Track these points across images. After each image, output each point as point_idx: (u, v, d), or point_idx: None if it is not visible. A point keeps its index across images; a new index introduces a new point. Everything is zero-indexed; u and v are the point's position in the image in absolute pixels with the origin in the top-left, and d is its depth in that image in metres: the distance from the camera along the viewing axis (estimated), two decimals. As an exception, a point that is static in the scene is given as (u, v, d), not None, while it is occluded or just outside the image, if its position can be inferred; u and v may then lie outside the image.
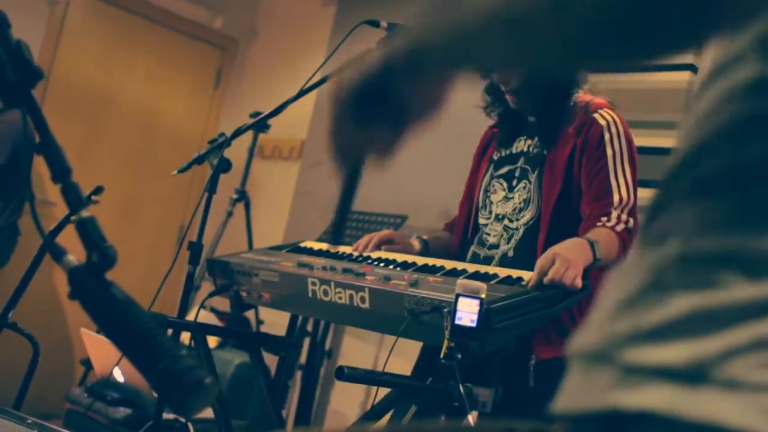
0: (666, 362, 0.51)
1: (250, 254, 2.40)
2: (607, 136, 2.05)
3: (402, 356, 2.12)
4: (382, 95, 0.77)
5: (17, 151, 3.28)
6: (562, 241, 1.96)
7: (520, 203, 2.15)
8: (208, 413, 2.52)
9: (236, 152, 2.76)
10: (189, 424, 2.65)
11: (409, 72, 0.72)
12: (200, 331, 2.32)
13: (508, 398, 1.82)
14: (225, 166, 2.30)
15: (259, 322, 3.98)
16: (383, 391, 1.94)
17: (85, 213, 0.79)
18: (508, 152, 2.24)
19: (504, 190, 2.20)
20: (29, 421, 1.68)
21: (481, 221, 2.24)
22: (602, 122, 2.06)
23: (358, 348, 3.97)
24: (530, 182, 2.14)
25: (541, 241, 2.06)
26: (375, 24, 2.33)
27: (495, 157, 2.28)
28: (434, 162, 3.88)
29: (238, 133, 2.36)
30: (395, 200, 3.82)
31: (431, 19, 0.67)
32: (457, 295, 1.63)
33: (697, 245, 0.53)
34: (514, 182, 2.18)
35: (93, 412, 2.80)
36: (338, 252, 2.31)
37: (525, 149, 2.19)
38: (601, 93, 2.20)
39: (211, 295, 2.35)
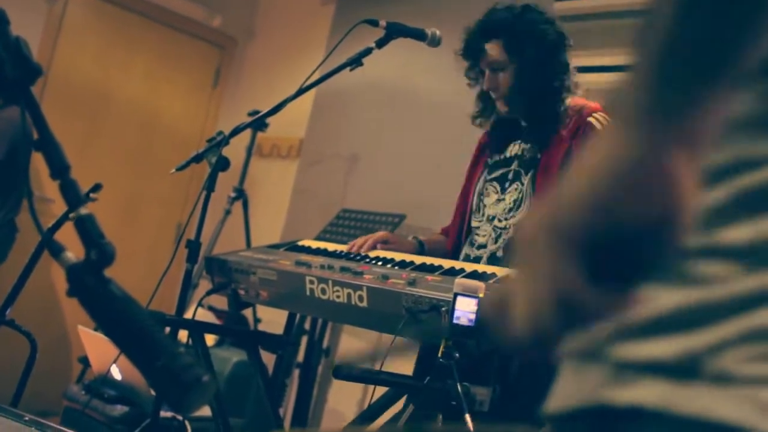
0: (656, 357, 0.51)
1: (248, 252, 2.40)
2: None
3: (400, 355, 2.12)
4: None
5: (15, 147, 3.28)
6: None
7: (510, 203, 2.15)
8: (205, 411, 2.52)
9: (234, 151, 2.76)
10: (186, 422, 2.65)
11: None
12: (198, 329, 2.33)
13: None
14: (223, 164, 2.30)
15: (257, 321, 3.98)
16: (381, 390, 1.94)
17: (83, 210, 0.79)
18: (502, 157, 2.25)
19: (497, 192, 2.21)
20: (27, 419, 1.67)
21: (474, 224, 2.25)
22: (598, 126, 2.07)
23: (355, 346, 3.98)
24: (522, 184, 2.14)
25: None
26: (374, 23, 2.33)
27: (489, 162, 2.29)
28: (433, 161, 3.88)
29: (236, 131, 2.36)
30: (393, 199, 3.82)
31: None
32: (456, 294, 1.63)
33: (683, 242, 0.53)
34: (507, 184, 2.19)
35: (90, 410, 2.80)
36: (336, 250, 2.31)
37: (519, 152, 2.20)
38: (595, 96, 2.20)
39: (209, 293, 2.35)
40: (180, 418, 2.66)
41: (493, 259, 2.14)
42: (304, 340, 3.76)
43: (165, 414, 2.57)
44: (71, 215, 0.79)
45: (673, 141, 0.48)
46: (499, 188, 2.21)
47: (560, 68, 2.12)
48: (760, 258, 0.50)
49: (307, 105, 4.62)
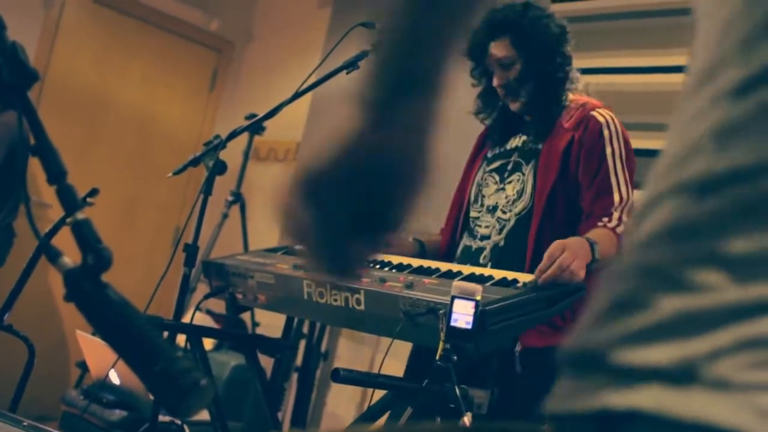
0: (654, 363, 0.51)
1: (246, 256, 2.40)
2: (606, 133, 2.09)
3: (397, 358, 2.13)
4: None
5: (13, 152, 3.28)
6: (554, 231, 2.00)
7: (513, 194, 2.17)
8: (204, 415, 2.52)
9: (231, 154, 2.77)
10: (185, 427, 2.65)
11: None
12: (196, 333, 2.32)
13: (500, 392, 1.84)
14: (220, 168, 2.30)
15: (255, 324, 3.98)
16: (379, 393, 1.94)
17: (80, 215, 0.79)
18: (501, 149, 2.27)
19: (496, 183, 2.23)
20: (25, 424, 1.67)
21: (473, 214, 2.27)
22: (601, 119, 2.11)
23: (353, 350, 3.98)
24: (523, 174, 2.17)
25: (533, 230, 2.08)
26: (370, 26, 2.34)
27: (489, 155, 2.31)
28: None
29: (233, 135, 2.37)
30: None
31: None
32: (453, 297, 1.63)
33: (682, 248, 0.54)
34: (506, 175, 2.22)
35: (89, 415, 2.80)
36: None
37: (519, 145, 2.23)
38: (597, 95, 2.23)
39: (206, 297, 2.35)
40: (178, 422, 2.65)
41: (496, 251, 2.15)
42: (303, 343, 3.76)
43: (163, 418, 2.57)
44: (68, 220, 0.79)
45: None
46: (498, 178, 2.23)
47: (563, 60, 2.19)
48: (759, 269, 0.51)
49: (304, 108, 4.63)
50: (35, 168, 0.85)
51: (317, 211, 0.71)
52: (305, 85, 2.33)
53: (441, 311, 1.67)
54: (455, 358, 1.65)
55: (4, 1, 4.16)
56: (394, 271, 2.06)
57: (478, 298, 1.64)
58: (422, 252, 2.33)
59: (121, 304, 0.76)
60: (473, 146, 2.42)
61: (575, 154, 2.09)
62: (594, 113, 2.13)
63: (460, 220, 2.31)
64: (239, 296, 2.29)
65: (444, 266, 2.06)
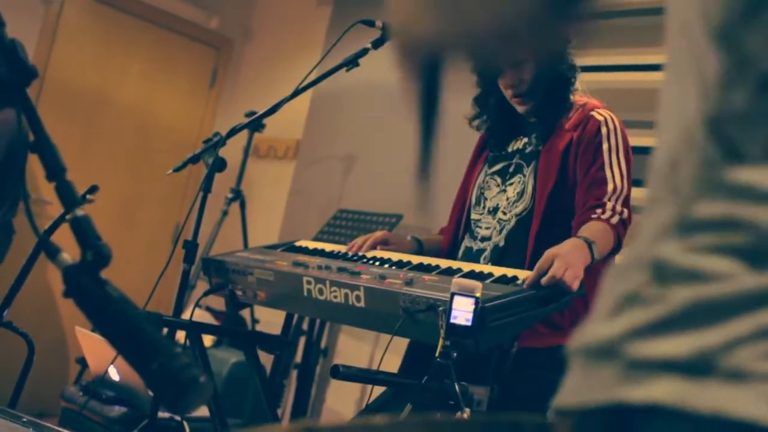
0: (671, 355, 0.51)
1: (246, 253, 2.40)
2: (604, 131, 2.09)
3: (397, 354, 2.13)
4: None
5: (12, 149, 3.27)
6: (554, 231, 1.99)
7: (514, 195, 2.17)
8: (203, 412, 2.52)
9: (231, 151, 2.77)
10: (184, 423, 2.65)
11: None
12: (195, 329, 2.32)
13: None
14: (220, 165, 2.30)
15: (255, 321, 3.98)
16: (379, 390, 1.94)
17: (79, 211, 0.79)
18: (503, 152, 2.27)
19: (498, 185, 2.23)
20: (24, 420, 1.68)
21: (474, 216, 2.26)
22: (600, 118, 2.11)
23: (353, 347, 3.98)
24: (524, 176, 2.17)
25: (533, 231, 2.07)
26: (370, 24, 2.34)
27: (490, 157, 2.31)
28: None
29: (233, 132, 2.37)
30: (390, 199, 3.82)
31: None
32: (453, 294, 1.63)
33: (695, 238, 0.53)
34: (508, 177, 2.21)
35: (88, 411, 2.80)
36: (333, 251, 2.32)
37: (520, 147, 2.22)
38: (597, 93, 2.23)
39: (206, 293, 2.35)
40: (178, 418, 2.66)
41: (496, 251, 2.15)
42: (302, 340, 3.77)
43: (163, 415, 2.57)
44: (67, 217, 0.79)
45: None
46: (500, 181, 2.23)
47: (572, 63, 2.19)
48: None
49: (304, 106, 4.63)
50: (34, 165, 0.85)
51: None
52: (305, 83, 2.33)
53: (441, 308, 1.67)
54: (455, 354, 1.65)
55: (4, -2, 4.16)
56: (393, 267, 2.06)
57: (478, 295, 1.64)
58: (420, 251, 2.32)
59: (121, 300, 0.76)
60: (475, 147, 2.42)
61: (573, 153, 2.09)
62: (593, 113, 2.13)
63: (462, 222, 2.31)
64: (239, 293, 2.29)
65: (444, 263, 2.06)
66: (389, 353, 1.93)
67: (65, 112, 4.56)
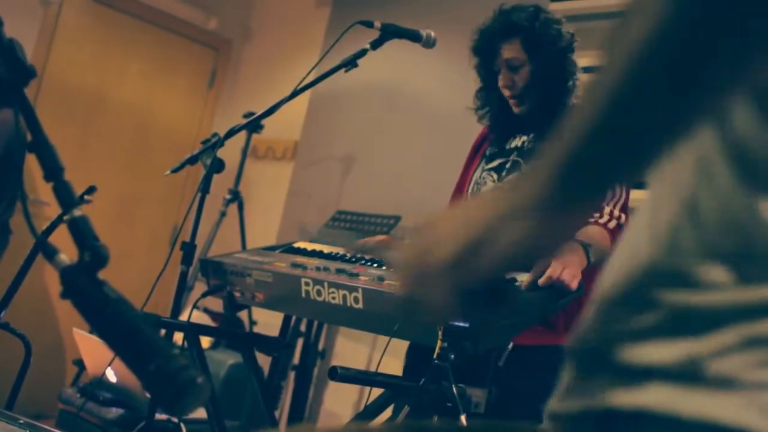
0: (661, 362, 0.51)
1: (244, 254, 2.40)
2: None
3: (395, 356, 2.12)
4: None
5: (9, 149, 3.27)
6: None
7: None
8: (201, 414, 2.51)
9: (230, 152, 2.76)
10: (182, 425, 2.64)
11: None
12: (193, 331, 2.32)
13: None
14: (218, 166, 2.30)
15: (253, 323, 3.98)
16: (377, 392, 1.94)
17: (77, 212, 0.79)
18: (501, 148, 2.27)
19: (494, 182, 2.23)
20: (21, 422, 1.67)
21: None
22: None
23: (351, 348, 3.98)
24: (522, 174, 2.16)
25: None
26: (369, 24, 2.34)
27: (488, 153, 2.30)
28: (428, 163, 3.88)
29: (231, 133, 2.36)
30: (389, 201, 3.82)
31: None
32: (451, 296, 1.63)
33: (687, 247, 0.53)
34: (504, 174, 2.21)
35: (85, 413, 2.80)
36: (332, 252, 2.31)
37: (519, 145, 2.22)
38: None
39: (204, 295, 2.35)
40: (175, 420, 2.65)
41: None
42: (300, 342, 3.76)
43: (160, 416, 2.57)
44: (65, 217, 0.79)
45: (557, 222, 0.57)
46: (496, 177, 2.23)
47: (572, 68, 2.18)
48: (762, 269, 0.50)
49: (302, 107, 4.62)
50: (32, 165, 0.85)
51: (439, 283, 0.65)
52: (303, 83, 2.33)
53: (439, 310, 1.66)
54: (453, 356, 1.65)
55: (2, -2, 4.16)
56: (392, 269, 2.06)
57: (476, 296, 1.63)
58: None
59: (118, 301, 0.76)
60: (473, 144, 2.42)
61: None
62: None
63: None
64: (237, 294, 2.28)
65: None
66: (387, 355, 1.93)
67: (64, 112, 4.55)
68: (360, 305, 1.88)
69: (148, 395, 2.50)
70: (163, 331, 2.32)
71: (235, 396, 3.47)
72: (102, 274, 0.77)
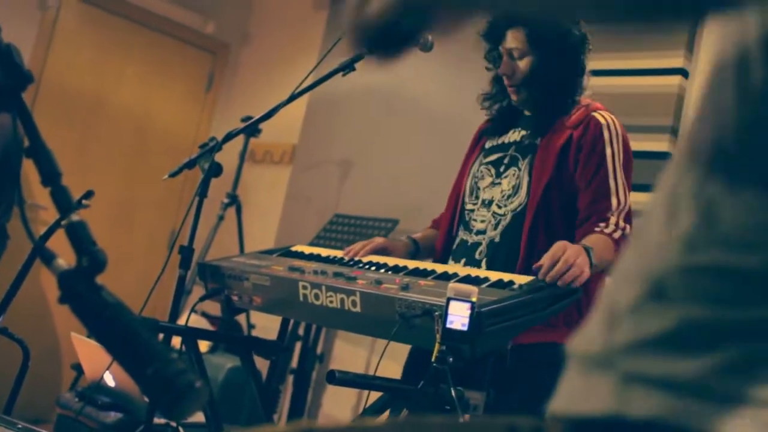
0: (670, 374, 0.51)
1: (242, 258, 2.40)
2: (606, 134, 2.08)
3: (394, 360, 2.12)
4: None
5: (6, 154, 3.27)
6: (547, 228, 2.01)
7: (509, 189, 2.16)
8: (199, 417, 2.51)
9: (227, 156, 2.76)
10: (180, 429, 2.64)
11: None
12: (191, 335, 2.32)
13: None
14: (216, 170, 2.30)
15: (251, 327, 3.97)
16: (375, 395, 1.94)
17: (74, 217, 0.79)
18: (499, 142, 2.27)
19: (491, 176, 2.23)
20: (20, 426, 1.67)
21: (468, 207, 2.26)
22: (602, 121, 2.11)
23: (349, 352, 3.97)
24: (520, 169, 2.16)
25: (526, 227, 2.07)
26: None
27: (486, 146, 2.31)
28: (425, 165, 3.89)
29: (229, 137, 2.36)
30: (387, 204, 3.82)
31: None
32: (449, 299, 1.63)
33: (699, 257, 0.53)
34: (502, 168, 2.21)
35: (84, 417, 2.79)
36: (329, 256, 2.31)
37: (517, 139, 2.22)
38: (595, 97, 2.22)
39: (202, 299, 2.35)
40: (174, 424, 2.65)
41: (492, 246, 2.15)
42: (298, 345, 3.76)
43: (159, 420, 2.56)
44: (63, 222, 0.79)
45: None
46: (494, 171, 2.23)
47: (578, 69, 2.16)
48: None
49: (300, 111, 4.63)
50: (30, 170, 0.85)
51: None
52: (301, 87, 2.33)
53: (437, 313, 1.67)
54: (451, 359, 1.65)
55: (0, 3, 4.16)
56: (389, 272, 2.06)
57: (474, 299, 1.63)
58: (416, 250, 2.33)
59: (116, 306, 0.76)
60: (471, 139, 2.42)
61: (573, 154, 2.08)
62: (596, 114, 2.12)
63: (456, 213, 2.31)
64: (235, 298, 2.28)
65: (440, 268, 2.06)
66: (385, 359, 1.93)
67: (61, 117, 4.55)
68: (358, 309, 1.88)
69: (146, 399, 2.50)
70: (161, 335, 2.32)
71: (233, 400, 3.47)
72: (100, 279, 0.77)
